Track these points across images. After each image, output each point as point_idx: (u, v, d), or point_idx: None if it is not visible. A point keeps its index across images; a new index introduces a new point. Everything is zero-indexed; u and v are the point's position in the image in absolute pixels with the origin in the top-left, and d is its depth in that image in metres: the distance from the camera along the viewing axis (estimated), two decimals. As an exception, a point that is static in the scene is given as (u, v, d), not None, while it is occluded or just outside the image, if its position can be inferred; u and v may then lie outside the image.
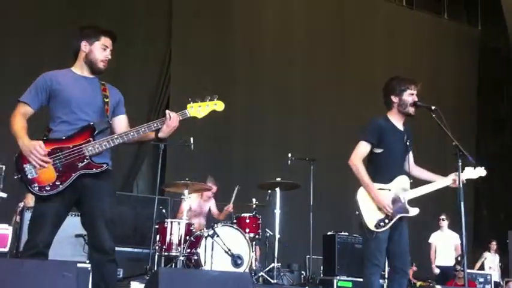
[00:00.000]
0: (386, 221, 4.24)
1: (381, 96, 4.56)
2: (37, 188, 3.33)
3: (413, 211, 4.35)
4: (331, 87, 11.33)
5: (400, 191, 4.34)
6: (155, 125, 3.57)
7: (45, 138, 3.47)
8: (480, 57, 13.63)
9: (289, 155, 7.57)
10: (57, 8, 8.91)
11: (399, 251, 4.33)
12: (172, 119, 3.54)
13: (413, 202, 4.39)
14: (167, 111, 3.58)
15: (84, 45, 3.64)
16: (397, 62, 11.60)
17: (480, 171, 4.67)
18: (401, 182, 4.36)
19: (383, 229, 4.22)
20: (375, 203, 4.24)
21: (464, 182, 4.51)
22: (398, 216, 4.28)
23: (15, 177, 3.37)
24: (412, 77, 4.53)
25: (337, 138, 10.17)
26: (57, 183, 3.35)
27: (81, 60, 3.65)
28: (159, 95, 9.74)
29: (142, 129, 3.55)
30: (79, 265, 3.24)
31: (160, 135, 3.61)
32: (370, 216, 4.24)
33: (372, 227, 4.22)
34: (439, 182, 4.48)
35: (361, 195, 4.30)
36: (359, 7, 12.05)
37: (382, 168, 4.35)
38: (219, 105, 3.72)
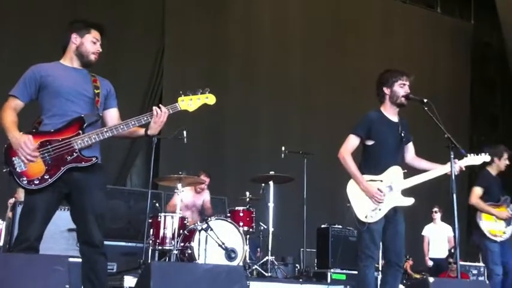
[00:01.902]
0: (378, 211, 4.23)
1: (375, 90, 4.57)
2: (26, 182, 3.32)
3: (408, 201, 4.34)
4: (326, 81, 11.32)
5: (393, 181, 4.34)
6: (145, 118, 3.54)
7: (34, 130, 3.46)
8: (473, 51, 13.63)
9: (283, 148, 7.56)
10: (50, 4, 8.86)
11: (393, 245, 4.33)
12: (161, 114, 3.51)
13: (407, 193, 4.40)
14: (154, 107, 3.54)
15: (75, 38, 3.62)
16: (390, 56, 11.59)
17: (484, 157, 4.66)
18: (393, 173, 4.36)
19: (374, 220, 4.22)
20: (365, 193, 4.25)
21: (463, 169, 4.52)
22: (390, 206, 4.28)
23: (4, 170, 3.35)
24: (404, 69, 4.53)
25: (332, 132, 10.14)
26: (45, 176, 3.34)
27: (71, 52, 3.63)
28: (152, 91, 9.71)
29: (132, 122, 3.53)
30: (71, 259, 3.23)
31: (149, 132, 3.58)
32: (361, 208, 4.25)
33: (362, 218, 4.23)
34: (436, 170, 4.48)
35: (351, 187, 4.32)
36: (353, 1, 12.03)
37: (374, 160, 4.36)
38: (210, 99, 3.70)
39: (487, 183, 6.08)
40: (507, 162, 6.20)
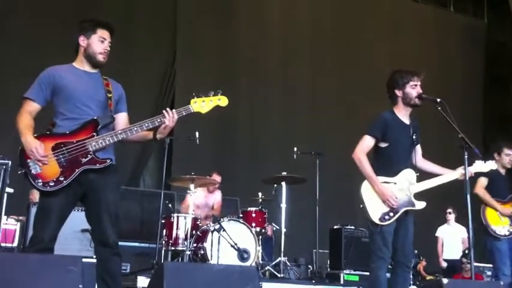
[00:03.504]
0: (391, 214, 4.22)
1: (385, 90, 4.55)
2: (41, 184, 3.35)
3: (420, 204, 4.33)
4: (336, 81, 11.29)
5: (406, 184, 4.32)
6: (158, 120, 3.56)
7: (48, 132, 3.48)
8: (486, 50, 13.48)
9: (295, 149, 7.55)
10: (60, 8, 8.91)
11: (403, 247, 4.32)
12: (172, 116, 3.54)
13: (420, 195, 4.38)
14: (164, 111, 3.57)
15: (82, 40, 3.63)
16: (402, 55, 11.53)
17: (491, 165, 4.64)
18: (407, 176, 4.34)
19: (387, 222, 4.21)
20: (379, 196, 4.23)
21: (473, 175, 4.50)
22: (403, 209, 4.27)
23: (19, 172, 3.38)
24: (413, 69, 4.50)
25: (343, 132, 10.14)
26: (60, 178, 3.36)
27: (81, 55, 3.65)
28: (164, 94, 9.76)
29: (146, 124, 3.55)
30: (84, 260, 3.25)
31: (158, 136, 3.61)
32: (374, 210, 4.23)
33: (376, 220, 4.21)
34: (447, 175, 4.46)
35: (365, 189, 4.29)
36: (363, 1, 11.99)
37: (387, 162, 4.34)
38: (222, 101, 3.72)
39: (491, 176, 5.85)
40: (509, 157, 6.10)
